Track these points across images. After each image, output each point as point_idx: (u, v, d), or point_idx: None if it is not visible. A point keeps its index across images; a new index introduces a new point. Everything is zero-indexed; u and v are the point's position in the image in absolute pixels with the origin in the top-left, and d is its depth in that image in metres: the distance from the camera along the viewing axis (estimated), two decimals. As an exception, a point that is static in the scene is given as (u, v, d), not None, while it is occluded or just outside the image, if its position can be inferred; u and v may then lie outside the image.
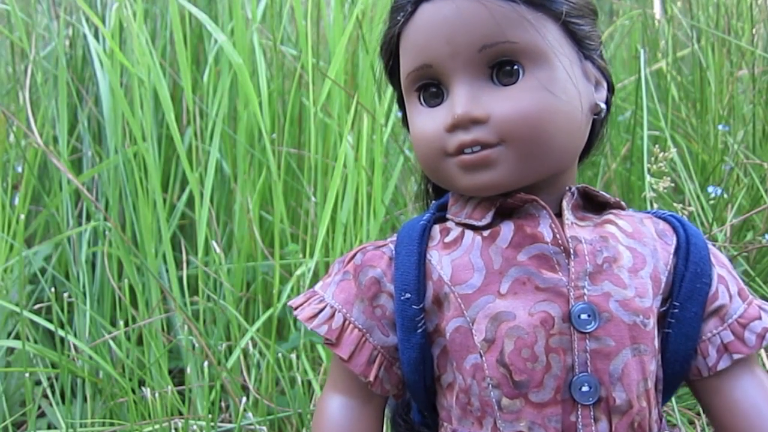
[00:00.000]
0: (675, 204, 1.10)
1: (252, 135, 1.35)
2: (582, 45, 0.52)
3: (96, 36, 1.37)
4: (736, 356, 0.50)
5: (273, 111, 1.39)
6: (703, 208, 1.26)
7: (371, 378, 0.52)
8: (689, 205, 1.21)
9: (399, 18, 0.52)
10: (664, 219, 0.55)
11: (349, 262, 0.54)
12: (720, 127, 1.58)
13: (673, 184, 1.15)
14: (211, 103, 1.31)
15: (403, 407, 0.60)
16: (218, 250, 1.24)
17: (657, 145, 1.13)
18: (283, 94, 1.50)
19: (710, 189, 1.36)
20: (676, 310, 0.50)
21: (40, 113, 1.42)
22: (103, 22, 1.40)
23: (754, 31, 1.84)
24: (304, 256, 1.26)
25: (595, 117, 0.53)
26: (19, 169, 1.44)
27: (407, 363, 0.52)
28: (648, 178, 1.08)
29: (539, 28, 0.48)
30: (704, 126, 1.64)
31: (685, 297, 0.50)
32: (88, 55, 1.46)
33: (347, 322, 0.52)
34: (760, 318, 0.51)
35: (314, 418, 0.56)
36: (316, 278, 1.24)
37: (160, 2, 1.50)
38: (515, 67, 0.49)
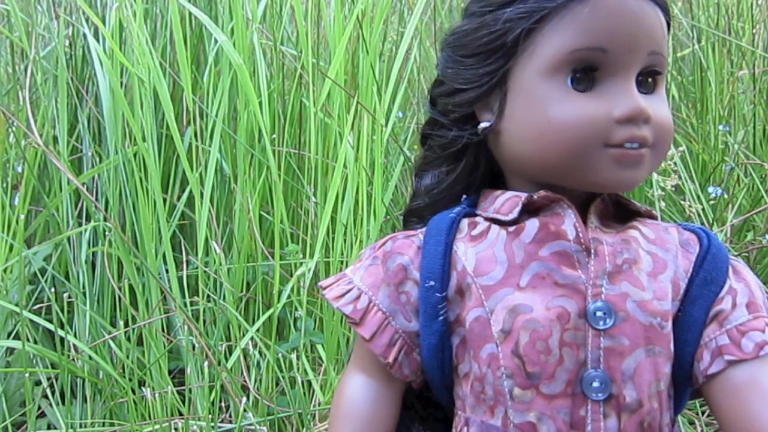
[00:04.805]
0: (682, 202, 1.11)
1: (252, 135, 1.35)
2: None
3: (96, 36, 1.37)
4: (728, 358, 0.49)
5: (273, 111, 1.39)
6: (703, 209, 1.26)
7: (390, 360, 0.54)
8: (690, 205, 1.21)
9: None
10: (692, 230, 0.55)
11: (380, 248, 0.56)
12: (720, 127, 1.58)
13: (678, 181, 1.15)
14: (211, 103, 1.31)
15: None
16: (218, 250, 1.24)
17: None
18: (283, 94, 1.50)
19: (710, 189, 1.36)
20: (680, 314, 0.51)
21: (40, 113, 1.42)
22: (103, 22, 1.40)
23: (754, 31, 1.84)
24: (304, 256, 1.26)
25: None
26: (19, 169, 1.44)
27: (427, 349, 0.53)
28: (655, 176, 1.08)
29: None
30: (705, 126, 1.64)
31: (690, 301, 0.51)
32: (88, 55, 1.46)
33: (372, 304, 0.54)
34: (762, 331, 0.50)
35: (335, 393, 0.58)
36: (316, 278, 1.24)
37: (160, 2, 1.50)
38: (654, 78, 0.51)
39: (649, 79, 0.51)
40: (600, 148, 0.49)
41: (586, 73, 0.49)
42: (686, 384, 0.52)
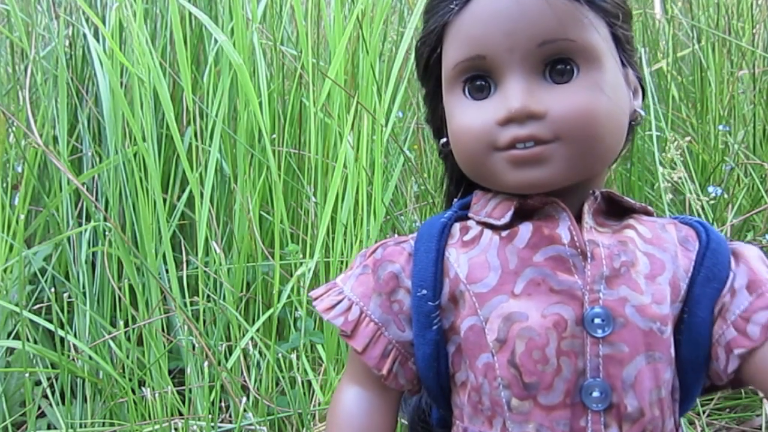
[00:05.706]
0: (688, 195, 1.10)
1: (252, 135, 1.35)
2: (623, 50, 0.52)
3: (96, 36, 1.37)
4: (738, 352, 0.47)
5: (273, 111, 1.39)
6: (703, 208, 1.26)
7: (384, 371, 0.52)
8: (690, 204, 1.21)
9: (453, 6, 0.50)
10: (690, 225, 0.53)
11: (369, 256, 0.55)
12: (720, 127, 1.58)
13: (687, 173, 1.15)
14: (211, 103, 1.31)
15: (420, 412, 0.60)
16: (218, 250, 1.24)
17: (672, 133, 1.13)
18: (283, 94, 1.50)
19: (710, 189, 1.36)
20: (686, 316, 0.49)
21: (40, 113, 1.42)
22: (103, 22, 1.40)
23: (754, 31, 1.84)
24: (304, 256, 1.26)
25: (632, 123, 0.53)
26: (19, 169, 1.44)
27: (422, 359, 0.52)
28: (660, 169, 1.08)
29: (596, 28, 0.49)
30: (704, 126, 1.64)
31: (694, 302, 0.49)
32: (88, 55, 1.46)
33: (363, 315, 0.52)
34: (766, 308, 0.47)
35: (330, 406, 0.57)
36: (316, 278, 1.24)
37: (160, 2, 1.50)
38: (569, 66, 0.48)
39: (560, 66, 0.48)
40: (491, 153, 0.49)
41: (485, 80, 0.50)
42: (694, 386, 0.51)
